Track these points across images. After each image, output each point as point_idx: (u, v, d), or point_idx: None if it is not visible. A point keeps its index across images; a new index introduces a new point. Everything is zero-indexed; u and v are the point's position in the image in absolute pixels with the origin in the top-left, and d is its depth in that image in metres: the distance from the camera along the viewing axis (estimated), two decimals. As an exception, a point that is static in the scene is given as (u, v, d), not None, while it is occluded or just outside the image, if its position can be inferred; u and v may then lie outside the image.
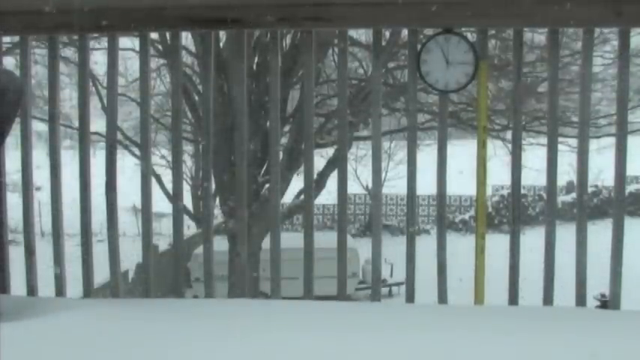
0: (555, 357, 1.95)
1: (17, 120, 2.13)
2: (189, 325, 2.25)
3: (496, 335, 2.14)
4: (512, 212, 2.63)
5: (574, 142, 3.99)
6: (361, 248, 13.31)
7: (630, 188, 20.71)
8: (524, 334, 2.14)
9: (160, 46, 11.11)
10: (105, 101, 3.41)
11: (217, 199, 10.99)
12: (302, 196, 2.94)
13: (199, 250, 13.25)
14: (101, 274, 2.89)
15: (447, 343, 2.06)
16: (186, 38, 11.22)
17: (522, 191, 2.68)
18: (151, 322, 2.29)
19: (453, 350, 2.00)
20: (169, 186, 3.12)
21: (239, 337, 2.10)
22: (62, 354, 1.97)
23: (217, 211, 11.59)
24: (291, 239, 4.75)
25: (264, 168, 10.68)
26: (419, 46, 2.58)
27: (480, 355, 1.96)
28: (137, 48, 2.88)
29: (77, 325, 2.24)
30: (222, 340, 2.08)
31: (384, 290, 14.99)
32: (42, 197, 3.72)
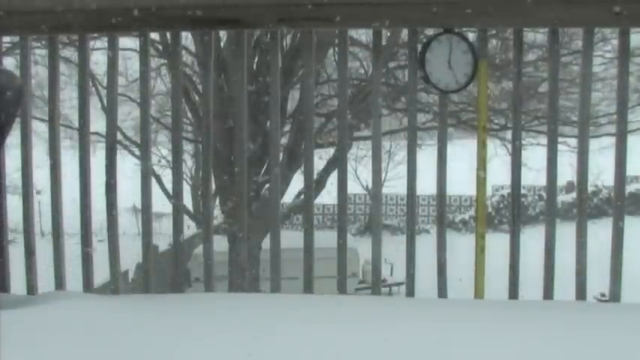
0: (555, 345, 1.96)
1: (17, 120, 2.13)
2: (189, 316, 2.26)
3: (496, 324, 2.15)
4: (512, 212, 2.63)
5: (574, 142, 3.99)
6: (361, 248, 13.30)
7: (630, 188, 20.70)
8: (524, 325, 2.15)
9: (160, 46, 11.10)
10: (105, 101, 3.41)
11: (217, 199, 10.98)
12: (302, 196, 2.93)
13: (199, 250, 13.24)
14: (101, 274, 2.89)
15: (448, 332, 2.06)
16: (187, 38, 11.22)
17: (522, 191, 2.68)
18: (150, 312, 2.30)
19: (454, 338, 2.00)
20: (169, 186, 3.12)
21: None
22: (61, 342, 1.98)
23: (217, 211, 11.58)
24: (291, 239, 4.75)
25: (264, 168, 10.68)
26: (419, 46, 2.59)
27: (480, 343, 1.97)
28: (137, 48, 2.88)
29: (76, 313, 2.25)
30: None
31: (384, 290, 14.97)
32: (42, 197, 3.72)
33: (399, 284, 15.13)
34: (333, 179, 6.21)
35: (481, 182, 2.60)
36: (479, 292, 2.60)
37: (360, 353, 1.92)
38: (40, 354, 1.89)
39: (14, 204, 2.90)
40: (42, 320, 2.19)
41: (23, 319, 2.17)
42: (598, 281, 3.18)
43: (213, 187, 7.64)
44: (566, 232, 3.21)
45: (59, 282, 2.74)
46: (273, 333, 2.07)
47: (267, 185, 10.30)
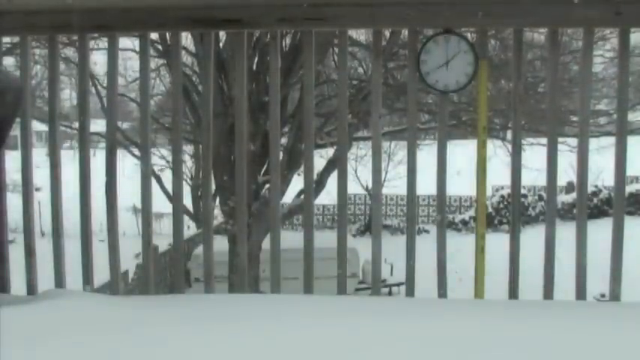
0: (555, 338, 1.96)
1: (17, 120, 2.13)
2: (188, 317, 2.26)
3: (496, 324, 2.15)
4: (512, 212, 2.63)
5: (574, 142, 4.00)
6: (361, 248, 13.30)
7: (630, 188, 20.69)
8: (524, 325, 2.15)
9: (160, 46, 11.11)
10: (105, 101, 3.41)
11: (217, 199, 10.99)
12: (302, 196, 2.93)
13: (199, 250, 13.24)
14: (101, 274, 2.89)
15: (448, 332, 2.06)
16: (187, 38, 11.23)
17: (522, 191, 2.69)
18: (149, 312, 2.31)
19: (454, 338, 2.00)
20: (169, 186, 3.12)
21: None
22: (61, 341, 1.98)
23: (217, 211, 11.58)
24: (291, 239, 4.75)
25: (264, 168, 10.67)
26: (419, 46, 2.59)
27: (480, 343, 1.97)
28: (137, 48, 2.88)
29: (76, 313, 2.25)
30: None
31: (384, 290, 14.99)
32: (42, 197, 3.72)
33: (399, 284, 15.13)
34: (333, 179, 6.22)
35: (481, 182, 2.60)
36: (479, 292, 2.60)
37: (360, 353, 1.92)
38: (40, 354, 1.89)
39: (14, 202, 2.90)
40: (42, 320, 2.19)
41: (23, 318, 2.17)
42: (598, 281, 3.18)
43: (213, 187, 7.63)
44: (566, 232, 3.21)
45: (59, 281, 2.74)
46: (273, 333, 2.07)
47: (267, 185, 10.30)
